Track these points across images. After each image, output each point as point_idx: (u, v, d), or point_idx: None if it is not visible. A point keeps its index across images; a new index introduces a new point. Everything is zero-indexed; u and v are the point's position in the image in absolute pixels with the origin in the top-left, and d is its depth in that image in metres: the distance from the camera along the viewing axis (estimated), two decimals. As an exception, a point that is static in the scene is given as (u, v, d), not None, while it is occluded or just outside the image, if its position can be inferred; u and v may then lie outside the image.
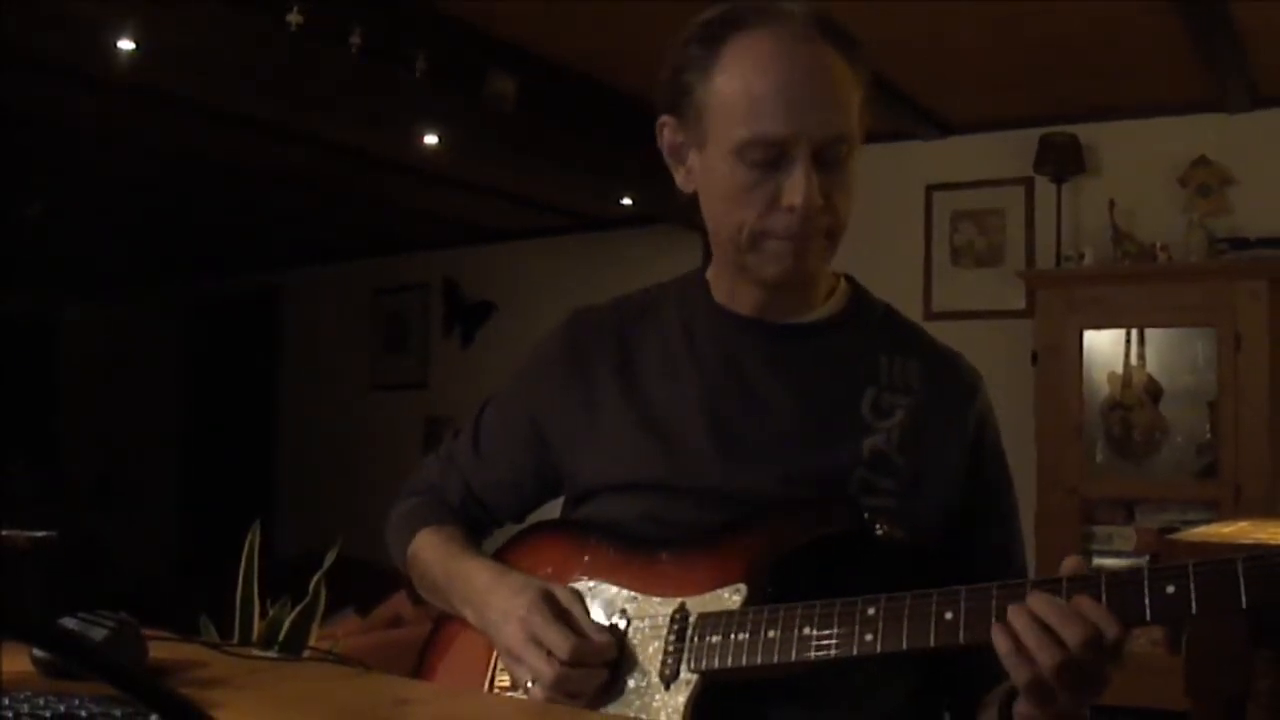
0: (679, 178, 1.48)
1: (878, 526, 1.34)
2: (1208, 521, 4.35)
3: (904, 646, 1.21)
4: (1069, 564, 1.20)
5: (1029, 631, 1.14)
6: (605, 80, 5.12)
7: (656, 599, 1.36)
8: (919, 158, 6.06)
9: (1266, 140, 5.38)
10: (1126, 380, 5.49)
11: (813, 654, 1.24)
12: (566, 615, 1.35)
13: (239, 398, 9.34)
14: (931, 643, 1.20)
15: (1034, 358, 5.38)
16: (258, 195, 7.10)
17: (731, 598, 1.32)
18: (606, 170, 5.64)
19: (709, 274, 1.54)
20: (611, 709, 1.33)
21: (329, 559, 2.22)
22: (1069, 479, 5.29)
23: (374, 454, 8.14)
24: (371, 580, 3.69)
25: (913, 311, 1.58)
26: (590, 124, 5.26)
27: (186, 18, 3.82)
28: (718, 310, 1.51)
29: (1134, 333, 5.49)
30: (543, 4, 4.37)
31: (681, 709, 1.29)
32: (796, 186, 1.34)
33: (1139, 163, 5.61)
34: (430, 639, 1.58)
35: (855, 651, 1.22)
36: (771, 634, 1.26)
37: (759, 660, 1.26)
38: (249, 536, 2.17)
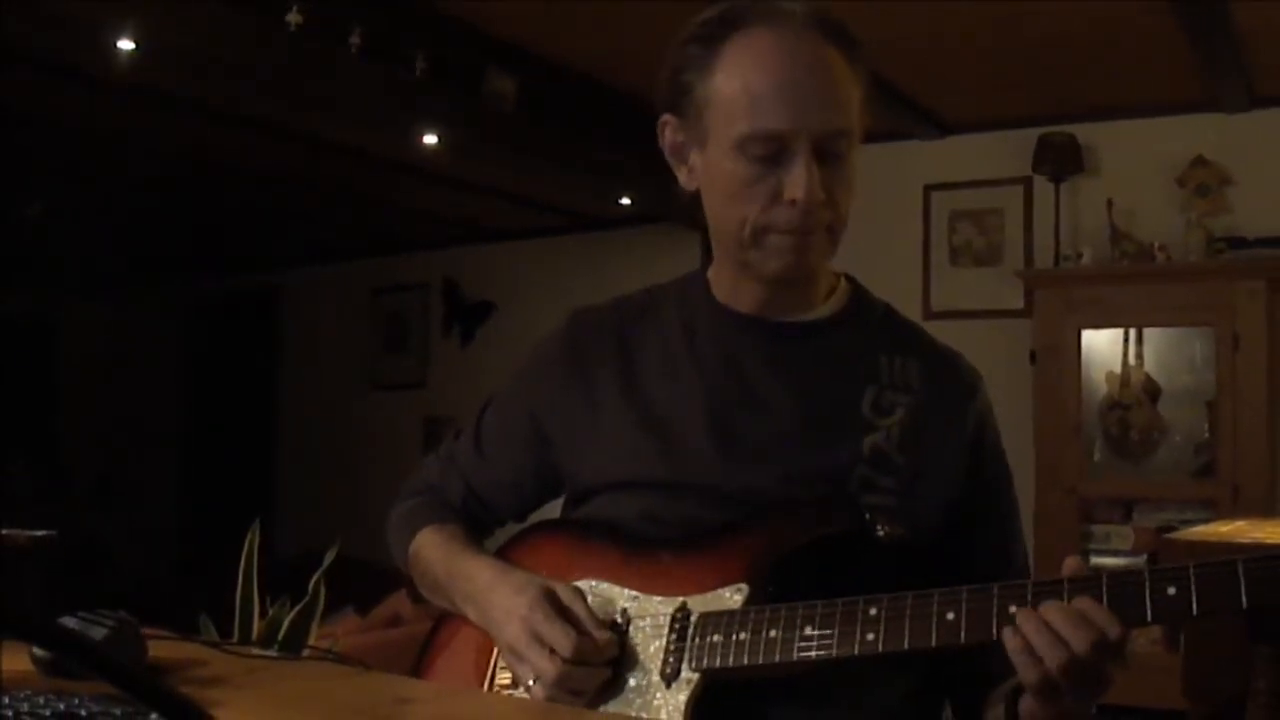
0: (681, 177, 1.48)
1: (879, 526, 1.34)
2: (1205, 521, 4.36)
3: (905, 646, 1.21)
4: (1070, 565, 1.20)
5: (1037, 634, 1.15)
6: (605, 80, 5.12)
7: (658, 598, 1.37)
8: (917, 157, 6.06)
9: (1265, 140, 5.39)
10: (1125, 380, 5.49)
11: (814, 653, 1.24)
12: (568, 613, 1.35)
13: (239, 397, 9.33)
14: (933, 643, 1.20)
15: (1032, 357, 5.39)
16: (258, 195, 7.09)
17: (733, 597, 1.32)
18: (606, 170, 5.64)
19: (710, 273, 1.55)
20: (612, 708, 1.33)
21: (328, 558, 2.22)
22: (1067, 478, 5.29)
23: (374, 454, 8.14)
24: (371, 579, 3.69)
25: (911, 311, 1.58)
26: (590, 124, 5.26)
27: (186, 18, 3.82)
28: (718, 309, 1.51)
29: (1132, 332, 5.50)
30: (542, 4, 4.37)
31: (683, 708, 1.29)
32: (798, 180, 1.34)
33: (1137, 162, 5.61)
34: (431, 638, 1.58)
35: (856, 651, 1.23)
36: (773, 633, 1.26)
37: (760, 659, 1.26)
38: (249, 536, 2.17)
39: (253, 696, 1.15)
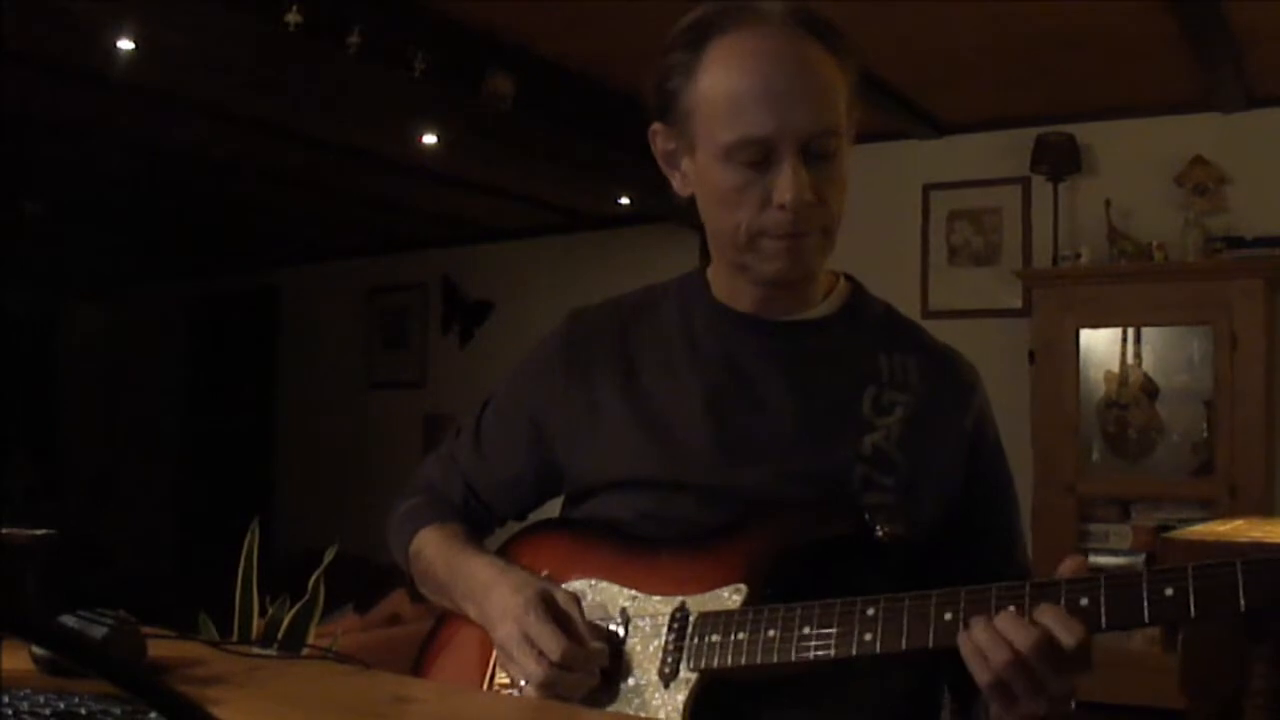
0: (675, 183, 1.48)
1: (878, 527, 1.34)
2: (1203, 520, 4.36)
3: (903, 647, 1.21)
4: (1068, 565, 1.21)
5: (984, 636, 1.17)
6: (603, 80, 5.13)
7: (656, 598, 1.37)
8: (916, 157, 6.07)
9: (1262, 140, 5.39)
10: (1123, 379, 5.50)
11: (812, 654, 1.24)
12: (563, 617, 1.34)
13: (238, 396, 9.34)
14: (930, 643, 1.20)
15: (1031, 356, 5.39)
16: (257, 194, 7.10)
17: (731, 597, 1.32)
18: (604, 169, 5.64)
19: (708, 272, 1.55)
20: (611, 707, 1.33)
21: (328, 557, 2.23)
22: (1065, 477, 5.30)
23: (373, 452, 8.15)
24: (370, 578, 3.70)
25: (910, 310, 1.58)
26: (588, 123, 5.26)
27: (186, 18, 3.82)
28: (717, 308, 1.51)
29: (1130, 331, 5.50)
30: (541, 4, 4.37)
31: (681, 707, 1.29)
32: (786, 184, 1.34)
33: (1135, 162, 5.61)
34: (431, 636, 1.58)
35: (854, 651, 1.23)
36: (771, 633, 1.26)
37: (758, 659, 1.26)
38: (248, 535, 2.18)
39: (252, 695, 1.15)
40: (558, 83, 5.09)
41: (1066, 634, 1.14)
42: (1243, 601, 1.09)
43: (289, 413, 9.11)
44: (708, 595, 1.33)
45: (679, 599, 1.35)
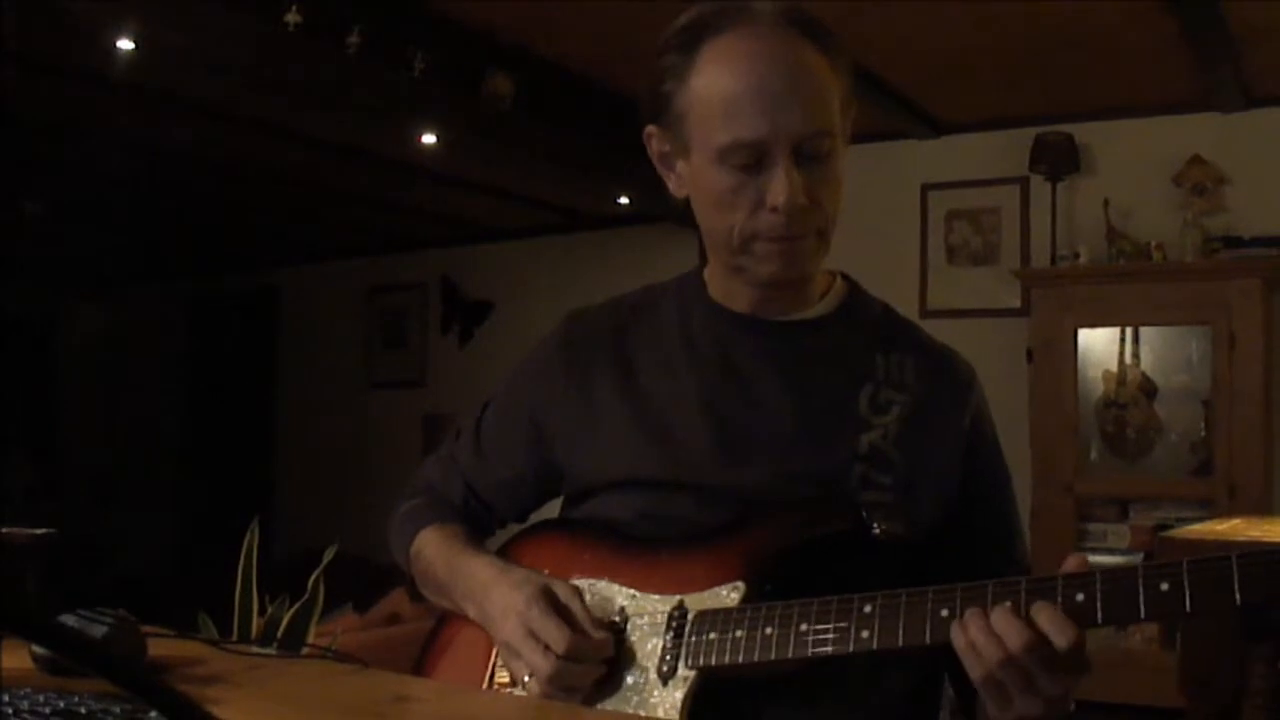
0: (670, 185, 1.49)
1: (875, 525, 1.34)
2: (1202, 519, 4.36)
3: (900, 644, 1.21)
4: (1071, 562, 1.21)
5: (979, 632, 1.17)
6: (602, 79, 5.13)
7: (655, 596, 1.37)
8: (914, 157, 6.07)
9: (1261, 139, 5.39)
10: (1121, 378, 5.50)
11: (810, 651, 1.24)
12: (565, 610, 1.35)
13: (238, 396, 9.34)
14: (927, 640, 1.20)
15: (1029, 356, 5.39)
16: (257, 194, 7.10)
17: (729, 595, 1.32)
18: (604, 169, 5.64)
19: (706, 272, 1.55)
20: (609, 705, 1.33)
21: (327, 556, 2.23)
22: (1064, 476, 5.30)
23: (372, 452, 8.15)
24: (369, 577, 3.71)
25: (908, 310, 1.59)
26: (587, 123, 5.26)
27: (186, 18, 3.82)
28: (715, 308, 1.51)
29: (1129, 331, 5.51)
30: (540, 4, 4.37)
31: (679, 705, 1.30)
32: (779, 187, 1.34)
33: (1134, 162, 5.61)
34: (432, 637, 1.58)
35: (852, 648, 1.23)
36: (769, 631, 1.27)
37: (756, 657, 1.27)
38: (248, 534, 2.18)
39: (252, 694, 1.15)
40: (557, 83, 5.09)
41: (1060, 635, 1.15)
42: (1238, 596, 1.09)
43: (289, 413, 9.11)
44: (706, 593, 1.34)
45: (677, 597, 1.35)
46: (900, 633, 1.22)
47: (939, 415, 1.47)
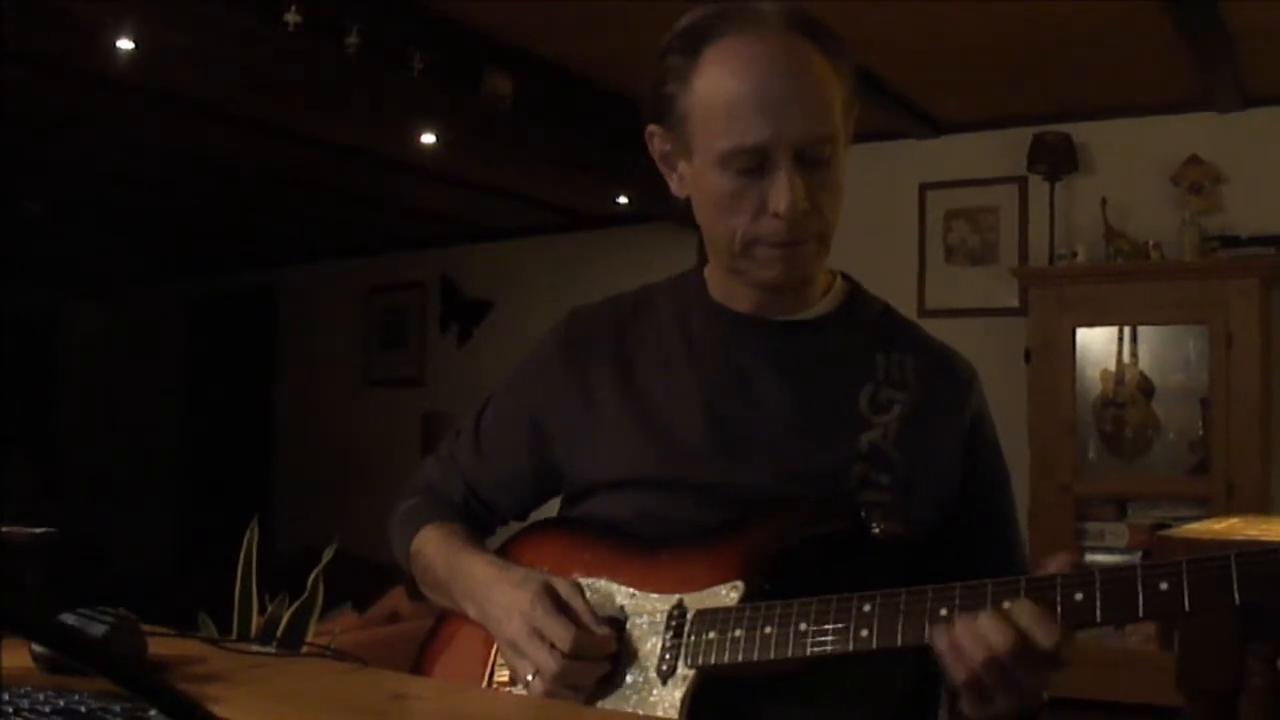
0: (672, 184, 1.49)
1: (874, 524, 1.34)
2: (1199, 518, 4.36)
3: (899, 643, 1.22)
4: (1056, 561, 1.21)
5: (964, 633, 1.17)
6: (601, 79, 5.13)
7: (654, 595, 1.37)
8: (912, 156, 6.07)
9: (1258, 139, 5.40)
10: (1119, 377, 5.50)
11: (809, 650, 1.24)
12: (568, 608, 1.35)
13: (237, 395, 9.34)
14: (926, 639, 1.21)
15: (1027, 355, 5.39)
16: (256, 194, 7.10)
17: (729, 594, 1.32)
18: (603, 169, 5.64)
19: (706, 272, 1.55)
20: (609, 704, 1.33)
21: (327, 555, 2.23)
22: (1062, 476, 5.30)
23: (371, 451, 8.14)
24: (369, 576, 3.71)
25: (906, 309, 1.59)
26: (586, 123, 5.27)
27: (186, 18, 3.83)
28: (715, 308, 1.51)
29: (1127, 330, 5.51)
30: (539, 4, 4.37)
31: (678, 704, 1.30)
32: (781, 193, 1.34)
33: (1132, 161, 5.62)
34: (431, 635, 1.58)
35: (851, 648, 1.23)
36: (768, 630, 1.27)
37: (755, 656, 1.27)
38: (247, 533, 2.18)
39: (251, 693, 1.15)
40: (556, 83, 5.09)
41: (1043, 636, 1.15)
42: (1237, 595, 1.09)
43: (288, 412, 9.11)
44: (705, 593, 1.34)
45: (676, 597, 1.35)
46: (899, 632, 1.22)
47: (939, 415, 1.47)
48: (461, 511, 1.63)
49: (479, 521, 1.63)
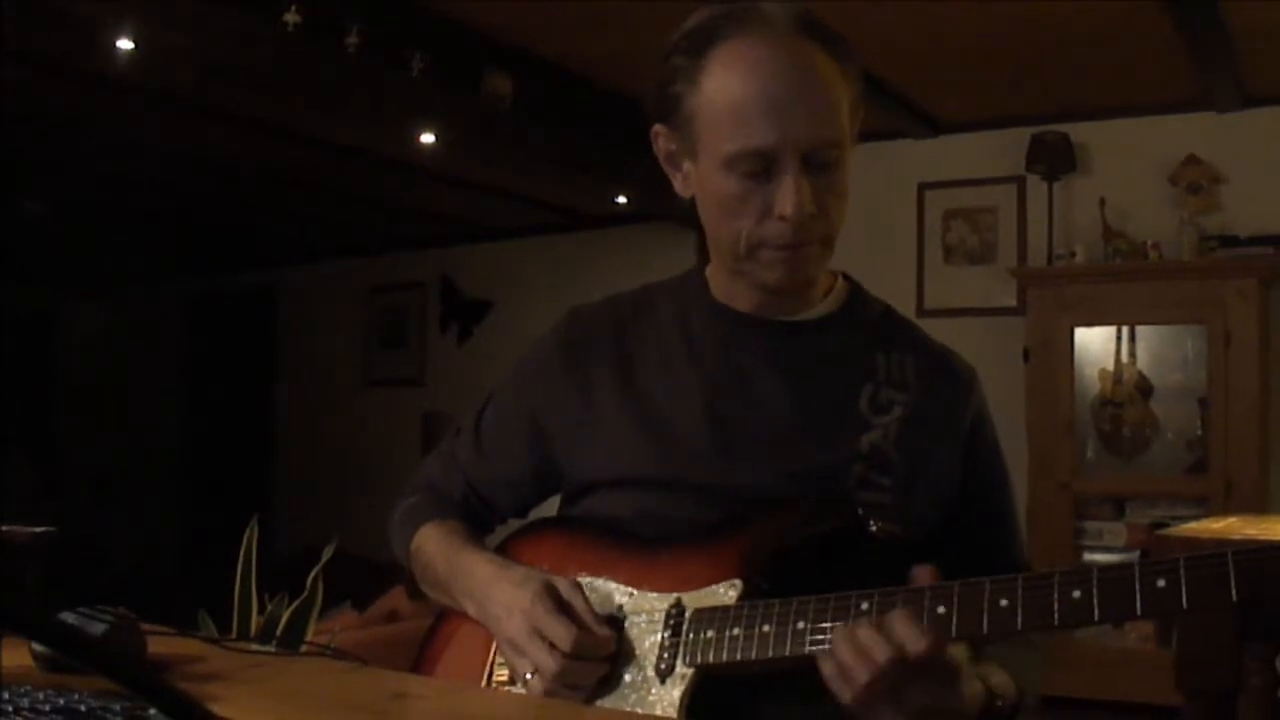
0: (676, 184, 1.49)
1: (873, 523, 1.34)
2: (1198, 517, 4.36)
3: (897, 641, 1.22)
4: (924, 573, 1.22)
5: (846, 651, 1.18)
6: (601, 79, 5.13)
7: (653, 594, 1.37)
8: (911, 156, 6.07)
9: (1256, 139, 5.40)
10: (1117, 377, 5.51)
11: (806, 648, 1.24)
12: (568, 608, 1.35)
13: (238, 395, 9.34)
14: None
15: (1025, 355, 5.40)
16: (256, 194, 7.10)
17: (727, 593, 1.32)
18: (602, 169, 5.65)
19: (707, 272, 1.55)
20: (608, 703, 1.33)
21: (326, 554, 2.23)
22: (1060, 475, 5.31)
23: (371, 450, 8.15)
24: (369, 575, 3.71)
25: (905, 309, 1.59)
26: (586, 123, 5.27)
27: (185, 17, 3.83)
28: (716, 308, 1.51)
29: (1125, 330, 5.51)
30: (540, 4, 4.38)
31: (677, 703, 1.30)
32: (787, 196, 1.33)
33: (1130, 161, 5.62)
34: (430, 634, 1.58)
35: (849, 646, 1.24)
36: (766, 629, 1.27)
37: (753, 655, 1.27)
38: (247, 532, 2.18)
39: (251, 692, 1.16)
40: (556, 83, 5.10)
41: (912, 643, 1.15)
42: (1235, 593, 1.08)
43: (288, 411, 9.11)
44: (703, 591, 1.34)
45: (675, 595, 1.35)
46: (896, 631, 1.22)
47: (939, 415, 1.47)
48: (462, 509, 1.63)
49: (479, 519, 1.63)
